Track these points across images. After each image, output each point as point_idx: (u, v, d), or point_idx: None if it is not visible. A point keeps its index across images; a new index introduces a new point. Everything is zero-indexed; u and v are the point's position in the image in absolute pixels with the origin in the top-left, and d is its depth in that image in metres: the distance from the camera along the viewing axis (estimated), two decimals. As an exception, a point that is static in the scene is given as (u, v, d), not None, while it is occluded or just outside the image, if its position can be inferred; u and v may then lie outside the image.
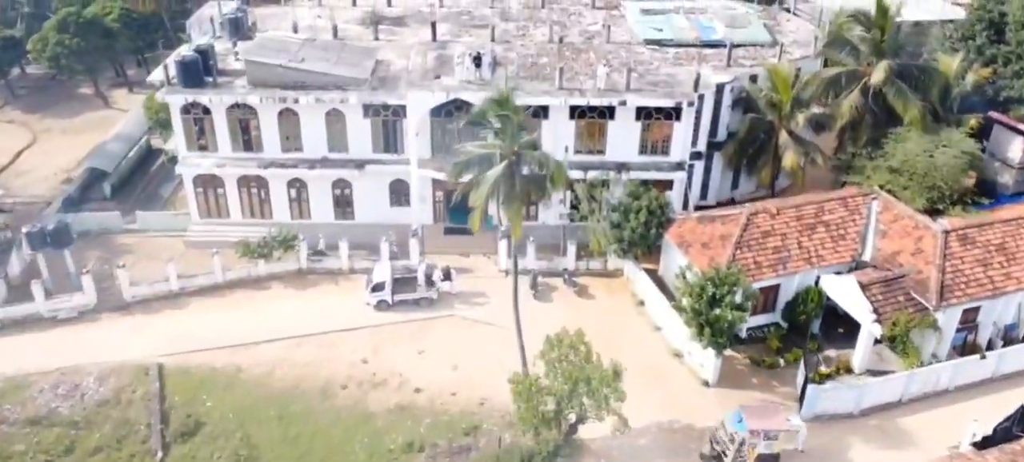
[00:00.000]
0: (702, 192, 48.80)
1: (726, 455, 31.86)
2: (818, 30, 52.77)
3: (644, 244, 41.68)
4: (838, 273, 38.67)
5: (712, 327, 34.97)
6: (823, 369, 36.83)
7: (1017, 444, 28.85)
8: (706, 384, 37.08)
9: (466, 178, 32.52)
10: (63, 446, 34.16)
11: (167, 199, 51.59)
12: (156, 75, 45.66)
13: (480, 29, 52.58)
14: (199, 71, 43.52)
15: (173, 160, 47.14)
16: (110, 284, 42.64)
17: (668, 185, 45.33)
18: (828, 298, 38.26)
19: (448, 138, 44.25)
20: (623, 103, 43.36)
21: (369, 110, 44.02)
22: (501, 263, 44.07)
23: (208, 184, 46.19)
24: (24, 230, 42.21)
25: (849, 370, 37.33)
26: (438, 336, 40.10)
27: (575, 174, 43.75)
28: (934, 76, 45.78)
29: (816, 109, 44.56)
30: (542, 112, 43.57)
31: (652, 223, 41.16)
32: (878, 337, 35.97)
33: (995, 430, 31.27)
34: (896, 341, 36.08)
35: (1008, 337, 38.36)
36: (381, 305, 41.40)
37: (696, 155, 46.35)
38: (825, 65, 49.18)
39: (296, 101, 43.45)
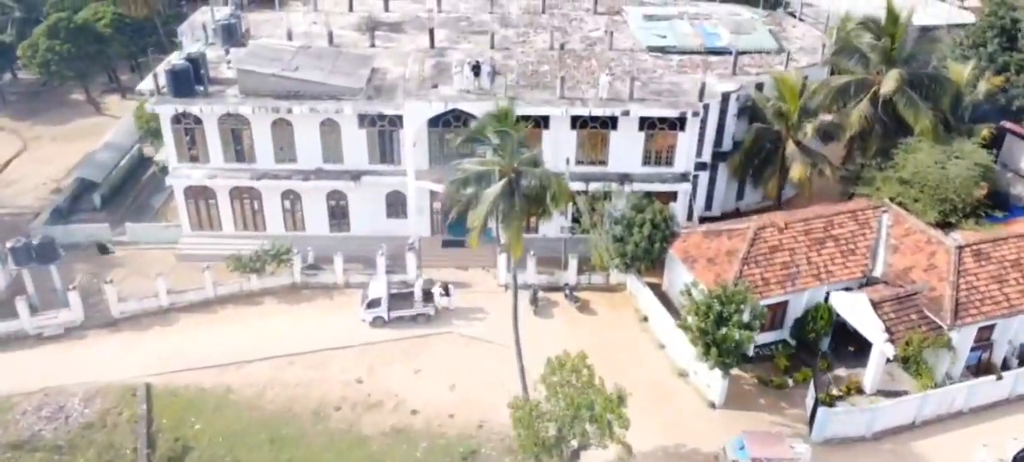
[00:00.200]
0: (706, 203, 47.61)
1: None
2: (825, 36, 51.53)
3: (648, 259, 40.46)
4: (848, 289, 37.49)
5: (719, 347, 33.85)
6: (834, 391, 35.61)
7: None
8: (713, 406, 35.86)
9: (465, 192, 31.13)
10: (46, 472, 33.00)
11: (158, 210, 50.32)
12: (145, 84, 44.43)
13: (479, 35, 51.35)
14: (190, 80, 42.31)
15: (164, 171, 45.88)
16: (98, 299, 41.42)
17: (672, 197, 44.15)
18: (837, 314, 37.09)
19: (446, 149, 43.05)
20: (626, 113, 42.16)
21: (365, 120, 42.82)
22: (500, 277, 42.85)
23: (199, 196, 44.99)
24: (8, 245, 40.91)
25: (860, 390, 36.15)
26: (435, 354, 38.89)
27: (577, 186, 42.58)
28: (945, 85, 44.54)
29: (826, 117, 43.26)
30: (543, 122, 42.36)
31: (656, 237, 39.92)
32: (890, 357, 34.76)
33: (1015, 459, 30.07)
34: (909, 361, 34.89)
35: (1024, 356, 37.26)
36: (377, 321, 40.18)
37: (701, 166, 45.15)
38: (832, 73, 47.95)
39: (289, 111, 42.25)
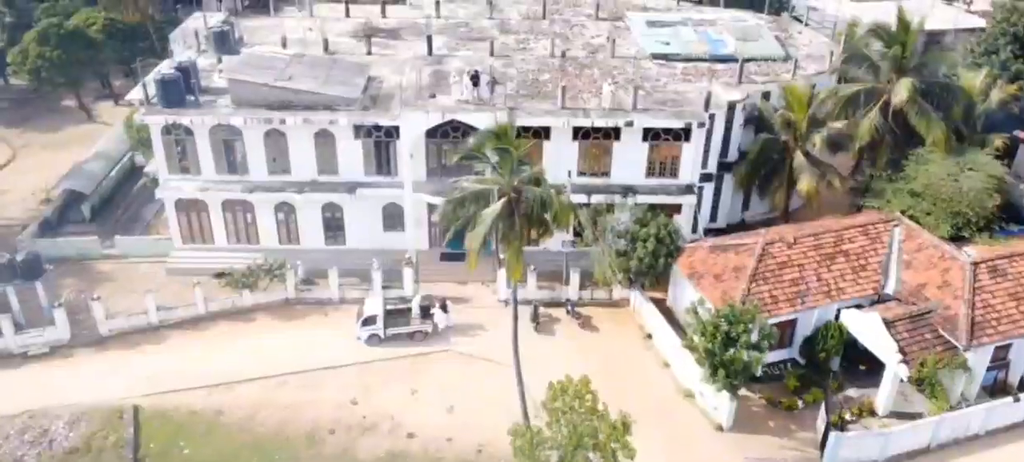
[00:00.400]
0: (711, 215, 46.37)
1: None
2: (833, 43, 50.34)
3: (652, 274, 39.30)
4: (859, 306, 36.31)
5: (727, 368, 32.65)
6: (846, 413, 34.41)
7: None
8: (720, 429, 34.61)
9: (462, 212, 29.83)
10: (27, 500, 31.81)
11: (150, 222, 49.08)
12: (135, 94, 43.24)
13: (478, 42, 50.14)
14: (180, 90, 41.07)
15: (155, 182, 44.62)
16: (86, 316, 40.16)
17: (676, 209, 42.93)
18: (848, 332, 35.91)
19: (445, 160, 41.85)
20: (629, 124, 40.96)
21: (360, 131, 41.59)
22: (500, 292, 41.62)
23: (191, 208, 43.72)
24: (-9, 260, 39.75)
25: (872, 412, 34.95)
26: (433, 374, 37.65)
27: (579, 198, 41.44)
28: (957, 93, 43.41)
29: (836, 124, 42.03)
30: (544, 133, 41.15)
31: (661, 252, 38.74)
32: (904, 378, 33.55)
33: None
34: (924, 382, 33.66)
35: (1042, 376, 36.04)
36: (372, 340, 38.95)
37: (706, 177, 43.92)
38: (840, 81, 46.77)
39: (283, 122, 41.01)
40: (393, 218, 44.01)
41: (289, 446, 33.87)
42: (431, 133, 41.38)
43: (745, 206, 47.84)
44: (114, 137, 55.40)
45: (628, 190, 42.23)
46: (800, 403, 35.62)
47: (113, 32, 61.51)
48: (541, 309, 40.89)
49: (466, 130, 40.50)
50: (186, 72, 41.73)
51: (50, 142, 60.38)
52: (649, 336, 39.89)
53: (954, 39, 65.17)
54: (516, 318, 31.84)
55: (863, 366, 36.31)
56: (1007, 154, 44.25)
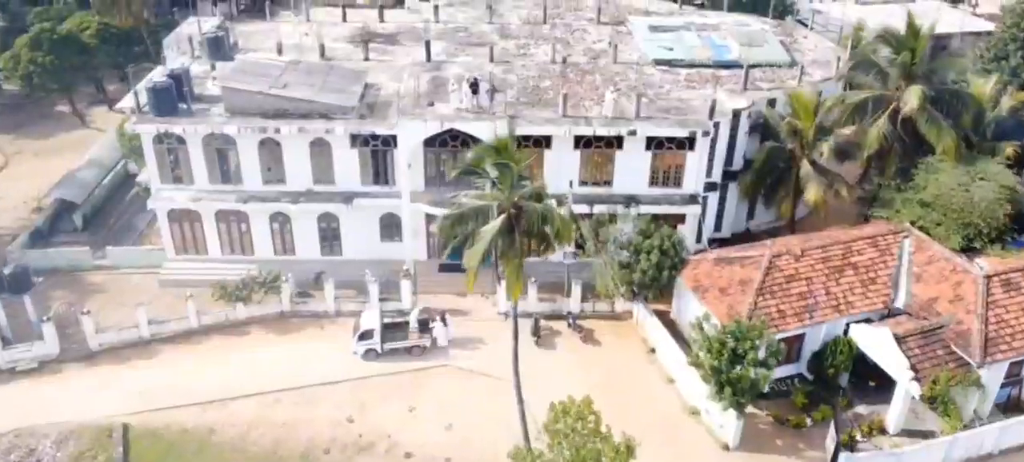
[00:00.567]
0: (716, 224, 45.42)
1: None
2: (839, 47, 49.37)
3: (656, 287, 38.34)
4: (868, 321, 35.36)
5: (733, 386, 31.75)
6: (855, 431, 33.46)
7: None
8: (726, 448, 33.65)
9: (460, 229, 28.82)
10: (12, 524, 30.92)
11: (143, 231, 48.06)
12: (126, 102, 42.29)
13: (478, 47, 49.17)
14: (172, 98, 40.12)
15: (147, 192, 43.65)
16: (76, 330, 39.20)
17: (680, 219, 41.99)
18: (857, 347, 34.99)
19: (443, 169, 40.94)
20: (632, 133, 39.99)
21: (357, 140, 40.63)
22: (500, 305, 40.65)
23: (184, 218, 42.78)
24: (-23, 274, 38.84)
25: (883, 430, 34.00)
26: (431, 390, 36.71)
27: (580, 208, 40.60)
28: (966, 100, 42.33)
29: (844, 132, 41.07)
30: (544, 142, 40.22)
31: (665, 264, 37.76)
32: (916, 396, 32.60)
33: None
34: (936, 400, 32.69)
35: (1056, 392, 35.07)
36: (369, 354, 38.00)
37: (710, 186, 42.96)
38: (847, 87, 45.79)
39: (277, 131, 40.06)
40: (391, 228, 43.07)
41: (283, 467, 32.97)
42: (429, 142, 40.45)
43: (750, 215, 46.89)
44: (107, 144, 54.41)
45: (631, 200, 41.32)
46: (808, 421, 34.66)
47: (107, 37, 60.46)
48: (542, 322, 39.94)
49: (465, 139, 39.61)
50: (178, 80, 40.78)
51: (43, 148, 59.43)
52: (653, 350, 38.94)
53: (961, 43, 64.25)
54: (516, 337, 30.84)
55: (873, 382, 35.30)
56: (1018, 163, 43.14)
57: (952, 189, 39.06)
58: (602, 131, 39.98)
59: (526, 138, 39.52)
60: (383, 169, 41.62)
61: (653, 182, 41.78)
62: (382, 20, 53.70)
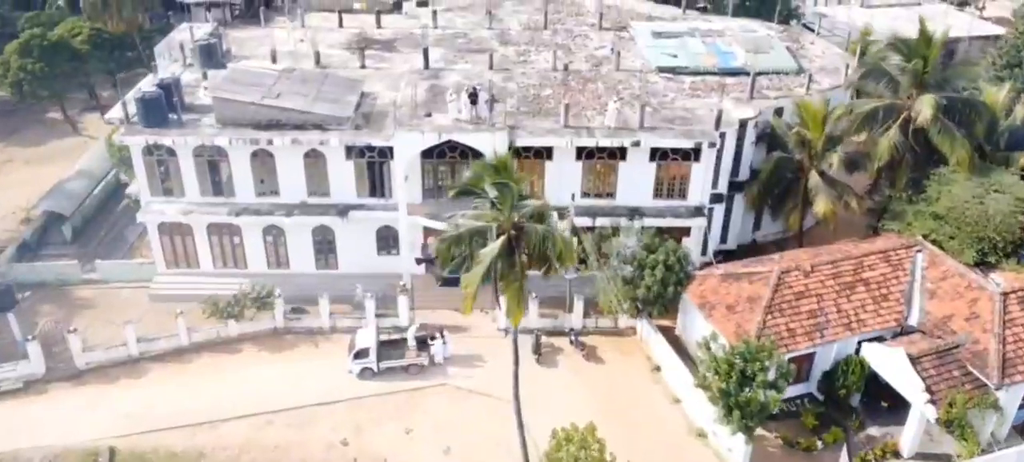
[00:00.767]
0: (722, 235, 44.26)
1: None
2: (847, 54, 48.17)
3: (660, 303, 37.14)
4: (880, 339, 34.19)
5: (742, 409, 30.56)
6: (868, 455, 32.28)
7: None
8: (734, 472, 32.52)
9: (457, 251, 27.57)
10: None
11: (133, 243, 46.90)
12: (114, 112, 41.10)
13: (477, 54, 48.00)
14: (162, 108, 38.95)
15: (137, 203, 42.47)
16: (62, 348, 38.01)
17: (685, 232, 40.82)
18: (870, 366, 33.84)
19: (441, 181, 39.78)
20: (636, 143, 38.82)
21: (352, 152, 39.45)
22: (500, 321, 39.48)
23: (175, 232, 41.60)
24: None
25: (896, 453, 32.85)
26: (429, 410, 35.54)
27: (583, 221, 39.44)
28: (979, 110, 41.06)
29: (854, 139, 39.86)
30: (546, 153, 39.06)
31: (669, 280, 36.60)
32: (931, 419, 31.42)
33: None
34: (952, 423, 31.51)
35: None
36: (365, 373, 36.83)
37: (716, 198, 41.80)
38: (856, 95, 44.59)
39: (270, 142, 38.89)
40: (387, 241, 41.91)
41: (275, 493, 31.81)
42: (427, 154, 39.29)
43: (756, 226, 45.76)
44: (97, 154, 53.22)
45: (634, 212, 40.18)
46: (819, 444, 33.52)
47: (99, 43, 59.14)
48: (543, 339, 38.77)
49: (464, 151, 38.46)
50: (168, 89, 39.61)
51: (34, 156, 58.27)
52: (657, 368, 37.78)
53: (969, 47, 63.12)
54: (517, 362, 29.57)
55: (886, 403, 34.19)
56: (1032, 173, 42.00)
57: (966, 201, 37.81)
58: (605, 142, 38.82)
59: (527, 149, 38.44)
60: (379, 181, 40.46)
61: (657, 194, 40.68)
62: (379, 26, 52.53)
